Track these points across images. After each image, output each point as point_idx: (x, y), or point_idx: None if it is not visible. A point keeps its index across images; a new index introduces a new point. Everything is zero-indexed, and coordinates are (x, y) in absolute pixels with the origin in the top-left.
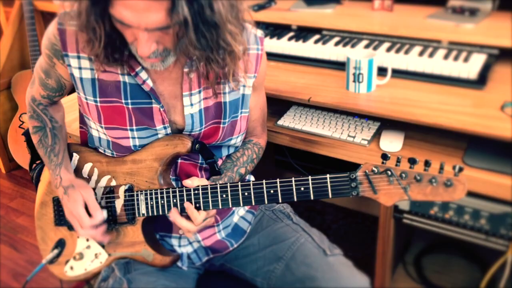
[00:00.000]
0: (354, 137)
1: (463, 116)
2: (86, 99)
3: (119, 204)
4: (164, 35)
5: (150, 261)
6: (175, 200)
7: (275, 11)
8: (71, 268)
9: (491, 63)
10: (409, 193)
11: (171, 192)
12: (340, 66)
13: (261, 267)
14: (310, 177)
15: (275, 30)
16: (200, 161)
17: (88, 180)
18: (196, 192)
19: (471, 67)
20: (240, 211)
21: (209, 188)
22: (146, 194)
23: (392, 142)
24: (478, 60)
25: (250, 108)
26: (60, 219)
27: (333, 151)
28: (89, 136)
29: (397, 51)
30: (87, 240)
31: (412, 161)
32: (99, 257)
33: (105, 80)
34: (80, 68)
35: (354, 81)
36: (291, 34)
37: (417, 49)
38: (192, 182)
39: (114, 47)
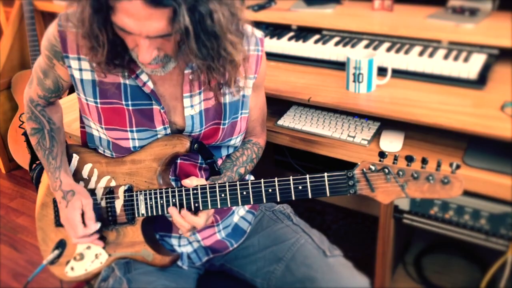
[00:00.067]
0: (354, 137)
1: (463, 116)
2: (86, 100)
3: (118, 204)
4: (165, 42)
5: (150, 261)
6: (174, 200)
7: (275, 11)
8: (72, 268)
9: (491, 63)
10: (407, 190)
11: (170, 192)
12: (340, 66)
13: (261, 268)
14: (308, 176)
15: (275, 30)
16: (199, 161)
17: (88, 181)
18: (195, 192)
19: (471, 67)
20: (240, 211)
21: (207, 188)
22: (145, 194)
23: (392, 142)
24: (478, 60)
25: (250, 108)
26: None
27: (333, 151)
28: (89, 135)
29: (397, 51)
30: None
31: (410, 159)
32: (99, 258)
33: (106, 81)
34: (80, 69)
35: (354, 81)
36: (291, 34)
37: (417, 49)
38: (191, 182)
39: (116, 54)
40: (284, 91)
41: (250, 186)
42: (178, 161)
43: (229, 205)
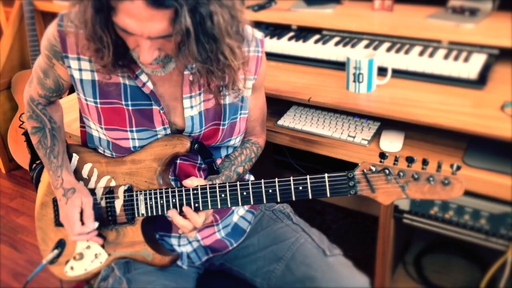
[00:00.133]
0: (354, 137)
1: (463, 116)
2: (86, 100)
3: (118, 204)
4: (166, 43)
5: (150, 261)
6: (174, 200)
7: (275, 11)
8: (71, 268)
9: (491, 63)
10: (407, 191)
11: (170, 192)
12: (340, 66)
13: (261, 267)
14: (308, 177)
15: (275, 30)
16: (199, 162)
17: (87, 180)
18: (195, 192)
19: (471, 67)
20: (240, 211)
21: (208, 188)
22: (145, 194)
23: (392, 142)
24: (478, 60)
25: (249, 108)
26: None
27: (333, 151)
28: (88, 135)
29: (397, 51)
30: (87, 240)
31: (410, 160)
32: (99, 257)
33: (105, 82)
34: (80, 69)
35: (354, 81)
36: (291, 34)
37: (417, 49)
38: (191, 182)
39: (119, 54)
40: (284, 91)
41: (250, 186)
42: (178, 161)
43: (229, 206)
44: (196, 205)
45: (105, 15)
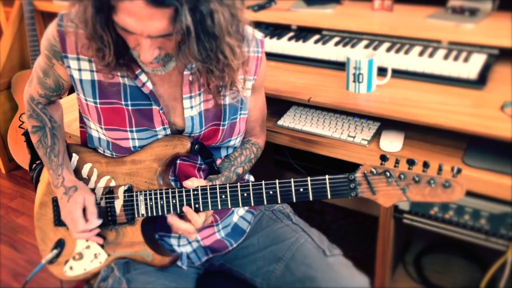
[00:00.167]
0: (354, 137)
1: (463, 116)
2: (86, 100)
3: (118, 204)
4: (166, 41)
5: (150, 261)
6: (174, 201)
7: (275, 11)
8: (71, 268)
9: (491, 63)
10: (408, 194)
11: (170, 193)
12: (340, 66)
13: (261, 268)
14: (309, 178)
15: (275, 30)
16: (199, 162)
17: (87, 180)
18: (195, 193)
19: (471, 67)
20: (240, 211)
21: (208, 189)
22: (145, 195)
23: (392, 142)
24: (478, 60)
25: (249, 109)
26: (60, 219)
27: (333, 151)
28: (88, 136)
29: (397, 51)
30: (87, 240)
31: (411, 162)
32: (99, 257)
33: (105, 82)
34: (79, 69)
35: (354, 81)
36: (291, 34)
37: (417, 49)
38: (192, 183)
39: (120, 53)
40: (284, 91)
41: (251, 187)
42: (177, 161)
43: (229, 207)
44: (197, 205)
45: (106, 15)
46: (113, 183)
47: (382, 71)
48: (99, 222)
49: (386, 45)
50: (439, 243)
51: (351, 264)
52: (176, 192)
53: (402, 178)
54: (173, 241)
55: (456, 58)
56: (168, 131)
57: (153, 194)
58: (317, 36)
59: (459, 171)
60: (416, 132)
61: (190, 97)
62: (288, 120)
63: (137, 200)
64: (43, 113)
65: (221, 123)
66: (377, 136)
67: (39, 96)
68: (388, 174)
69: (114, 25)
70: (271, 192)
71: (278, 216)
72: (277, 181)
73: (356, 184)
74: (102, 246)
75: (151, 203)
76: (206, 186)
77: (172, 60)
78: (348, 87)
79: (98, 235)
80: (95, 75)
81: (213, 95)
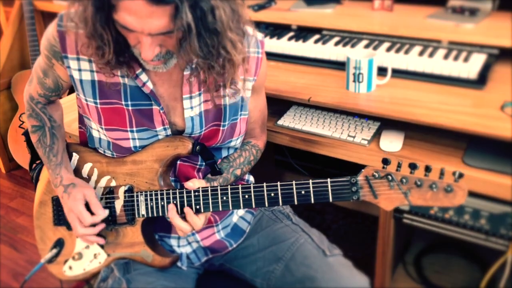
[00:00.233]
0: (354, 137)
1: (463, 116)
2: (86, 100)
3: (118, 204)
4: (167, 39)
5: (149, 262)
6: (175, 202)
7: (275, 11)
8: (70, 268)
9: (491, 63)
10: (410, 198)
11: (171, 194)
12: (340, 66)
13: (261, 268)
14: (311, 181)
15: (275, 30)
16: (199, 163)
17: (87, 180)
18: (196, 194)
19: (471, 67)
20: (240, 211)
21: (209, 190)
22: (146, 195)
23: (392, 142)
24: (478, 60)
25: (249, 110)
26: (59, 218)
27: (333, 151)
28: (89, 136)
29: (397, 51)
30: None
31: (413, 166)
32: (98, 257)
33: (105, 82)
34: (79, 70)
35: (354, 81)
36: (291, 34)
37: (417, 49)
38: (193, 184)
39: (120, 51)
40: (284, 91)
41: (252, 189)
42: (177, 162)
43: (230, 208)
44: (197, 207)
45: (106, 13)
46: (113, 183)
47: (382, 71)
48: (106, 212)
49: (386, 45)
50: (439, 243)
51: (351, 264)
52: (177, 193)
53: (404, 182)
54: (173, 242)
55: (456, 58)
56: (169, 131)
57: (153, 195)
58: (317, 36)
59: (460, 175)
60: (416, 132)
61: (190, 98)
62: (288, 120)
63: (137, 200)
64: (43, 112)
65: (221, 123)
66: (377, 136)
67: (38, 96)
68: (390, 178)
69: (114, 24)
70: (272, 194)
71: (278, 216)
72: (278, 183)
73: (358, 187)
74: (102, 246)
75: (151, 204)
76: (207, 187)
77: (173, 58)
78: (348, 87)
79: (99, 235)
80: (95, 75)
81: (211, 93)
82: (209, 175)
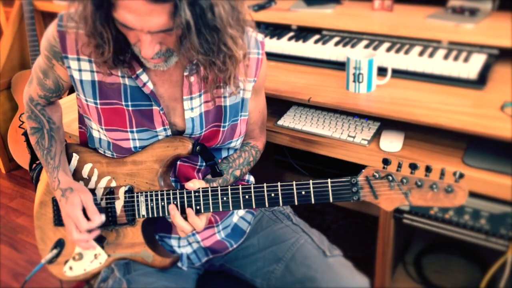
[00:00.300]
0: (354, 137)
1: (463, 116)
2: (86, 101)
3: (119, 205)
4: (167, 36)
5: (150, 262)
6: (175, 202)
7: (275, 11)
8: (70, 268)
9: (491, 63)
10: (410, 198)
11: (171, 194)
12: (340, 66)
13: (261, 268)
14: (311, 181)
15: (275, 30)
16: (199, 164)
17: (88, 180)
18: (196, 194)
19: (471, 67)
20: (240, 212)
21: (209, 191)
22: (146, 196)
23: (392, 142)
24: (478, 60)
25: (249, 111)
26: (60, 219)
27: (333, 151)
28: (89, 136)
29: (397, 51)
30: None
31: (413, 166)
32: (99, 258)
33: (106, 82)
34: (80, 70)
35: (354, 81)
36: (291, 34)
37: (417, 49)
38: (194, 185)
39: (120, 49)
40: (284, 91)
41: (252, 190)
42: (177, 162)
43: (231, 209)
44: (198, 207)
45: (105, 12)
46: (113, 184)
47: (382, 71)
48: (102, 218)
49: (386, 45)
50: (439, 243)
51: (351, 265)
52: (177, 193)
53: (404, 183)
54: (174, 242)
55: (456, 58)
56: (169, 132)
57: (154, 195)
58: (317, 36)
59: (461, 176)
60: (416, 132)
61: (191, 98)
62: (288, 120)
63: (137, 201)
64: (42, 114)
65: (222, 124)
66: (377, 136)
67: (38, 97)
68: (390, 178)
69: (114, 22)
70: (273, 195)
71: (278, 217)
72: (279, 183)
73: (359, 188)
74: (102, 246)
75: (152, 204)
76: (208, 187)
77: (174, 55)
78: (348, 87)
79: (98, 237)
80: (95, 76)
81: (210, 91)
82: (208, 176)
